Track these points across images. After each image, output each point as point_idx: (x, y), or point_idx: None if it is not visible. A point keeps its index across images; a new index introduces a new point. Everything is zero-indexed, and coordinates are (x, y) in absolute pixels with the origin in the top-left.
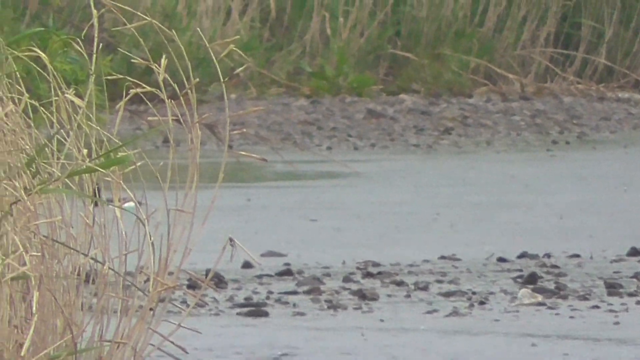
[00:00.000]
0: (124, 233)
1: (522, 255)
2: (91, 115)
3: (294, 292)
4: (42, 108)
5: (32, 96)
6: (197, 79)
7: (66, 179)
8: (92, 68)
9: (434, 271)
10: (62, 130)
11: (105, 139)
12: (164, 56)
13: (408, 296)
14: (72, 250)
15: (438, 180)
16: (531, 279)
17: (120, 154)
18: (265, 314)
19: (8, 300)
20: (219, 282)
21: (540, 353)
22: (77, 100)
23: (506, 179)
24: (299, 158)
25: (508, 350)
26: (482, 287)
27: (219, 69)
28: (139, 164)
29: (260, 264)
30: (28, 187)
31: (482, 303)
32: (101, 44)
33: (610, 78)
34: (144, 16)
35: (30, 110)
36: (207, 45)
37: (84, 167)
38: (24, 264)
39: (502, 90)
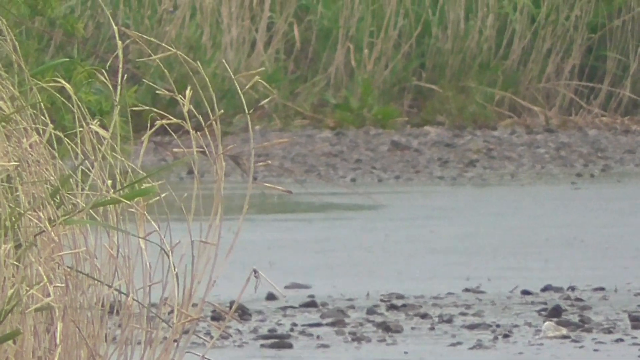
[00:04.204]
0: (148, 264)
1: (546, 288)
2: (116, 146)
3: (318, 324)
4: (66, 139)
5: (56, 127)
6: (222, 111)
7: (90, 210)
8: (117, 99)
9: (458, 304)
10: (86, 161)
11: (129, 170)
12: (188, 87)
13: (432, 329)
14: (96, 281)
15: (462, 212)
16: (555, 312)
17: (144, 185)
18: (289, 346)
19: (32, 331)
20: (243, 313)
21: None
22: (101, 131)
23: (530, 211)
24: (323, 190)
25: None
26: (506, 320)
27: (243, 101)
28: (163, 195)
29: (284, 295)
30: (52, 218)
31: (506, 336)
32: (126, 75)
33: (635, 111)
34: (169, 47)
35: (54, 141)
36: (232, 76)
37: (109, 198)
38: (48, 295)
39: (526, 123)
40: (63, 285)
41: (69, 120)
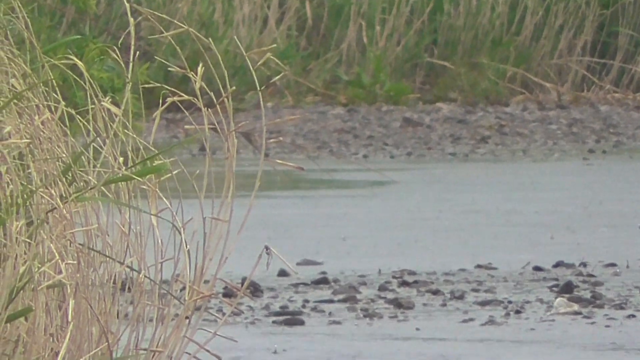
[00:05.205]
0: (160, 241)
1: (558, 264)
2: (127, 124)
3: (330, 301)
4: (78, 116)
5: (68, 104)
6: (234, 87)
7: (102, 187)
8: (129, 76)
9: (470, 280)
10: (98, 139)
11: (141, 147)
12: (200, 64)
13: (444, 305)
14: (108, 259)
15: (474, 189)
16: (567, 288)
17: (156, 162)
18: (301, 323)
19: (44, 308)
20: (255, 290)
21: None
22: (113, 109)
23: (542, 187)
24: (335, 166)
25: (544, 359)
26: (518, 296)
27: (255, 78)
28: (175, 172)
29: (296, 272)
30: (64, 195)
31: (518, 312)
32: (138, 52)
33: None
34: (181, 24)
35: (66, 118)
36: (244, 53)
37: (120, 175)
38: (60, 272)
39: (538, 99)
40: (75, 262)
41: (80, 97)
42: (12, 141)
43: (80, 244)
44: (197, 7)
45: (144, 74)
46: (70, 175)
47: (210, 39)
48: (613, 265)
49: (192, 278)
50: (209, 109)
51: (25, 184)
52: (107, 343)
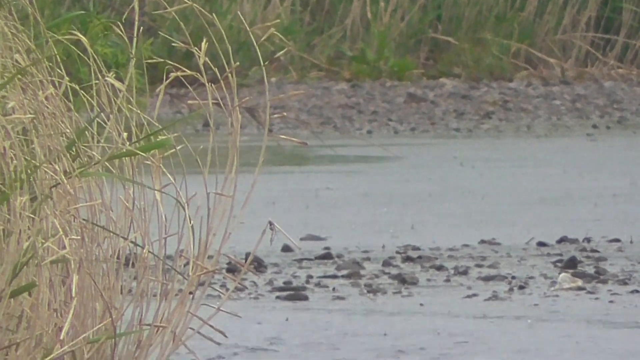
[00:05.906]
0: (163, 216)
1: (562, 240)
2: (131, 99)
3: (334, 276)
4: (82, 91)
5: (72, 79)
6: (238, 63)
7: (106, 163)
8: (133, 51)
9: (473, 255)
10: (102, 114)
11: (145, 123)
12: (204, 40)
13: (448, 280)
14: (111, 234)
15: (478, 165)
16: (571, 264)
17: (160, 138)
18: (305, 298)
19: (48, 283)
20: (259, 265)
21: (580, 338)
22: (117, 84)
23: (546, 163)
24: (339, 142)
25: (547, 334)
26: (522, 271)
27: (259, 53)
28: (179, 147)
29: (300, 247)
30: (68, 171)
31: (521, 287)
32: (142, 28)
33: None
34: (185, 0)
35: (70, 94)
36: (248, 29)
37: (124, 150)
38: (64, 248)
39: (542, 75)
40: (79, 237)
41: (84, 72)
42: (16, 116)
43: (84, 220)
44: None
45: (148, 50)
46: (74, 150)
47: (214, 14)
48: (617, 240)
49: (195, 253)
50: (213, 85)
51: (29, 159)
52: (110, 318)
